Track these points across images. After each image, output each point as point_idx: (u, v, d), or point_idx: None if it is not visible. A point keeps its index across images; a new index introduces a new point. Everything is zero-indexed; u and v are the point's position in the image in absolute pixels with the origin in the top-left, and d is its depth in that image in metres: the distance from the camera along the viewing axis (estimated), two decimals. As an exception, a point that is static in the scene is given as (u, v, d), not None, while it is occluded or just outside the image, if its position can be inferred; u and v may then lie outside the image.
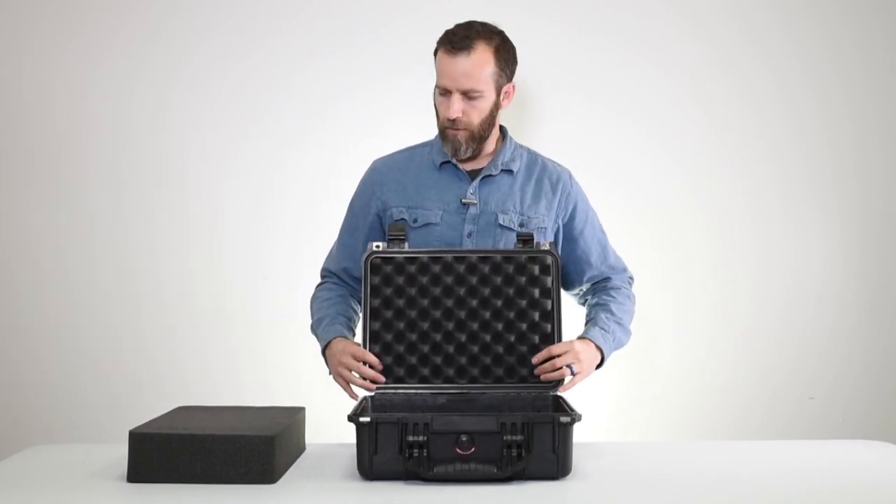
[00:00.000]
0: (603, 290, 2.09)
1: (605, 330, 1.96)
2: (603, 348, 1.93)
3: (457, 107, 1.91)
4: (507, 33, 1.99)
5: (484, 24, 1.96)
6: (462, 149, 1.96)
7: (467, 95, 1.91)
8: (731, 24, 2.98)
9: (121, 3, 2.91)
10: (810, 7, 3.00)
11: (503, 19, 2.87)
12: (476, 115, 1.93)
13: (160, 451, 1.56)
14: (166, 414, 1.80)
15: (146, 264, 2.91)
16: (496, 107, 1.97)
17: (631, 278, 2.15)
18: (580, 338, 1.93)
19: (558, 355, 1.83)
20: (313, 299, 2.08)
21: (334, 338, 1.92)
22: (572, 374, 1.86)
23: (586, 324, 2.02)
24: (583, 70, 2.95)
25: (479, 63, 1.91)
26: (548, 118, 2.94)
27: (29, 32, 2.90)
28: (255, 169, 2.92)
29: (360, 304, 2.06)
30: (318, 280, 2.14)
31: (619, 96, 2.95)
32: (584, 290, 2.12)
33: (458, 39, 1.91)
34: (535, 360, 1.83)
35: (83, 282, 2.90)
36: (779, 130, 2.99)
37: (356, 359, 1.85)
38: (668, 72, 2.97)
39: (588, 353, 1.89)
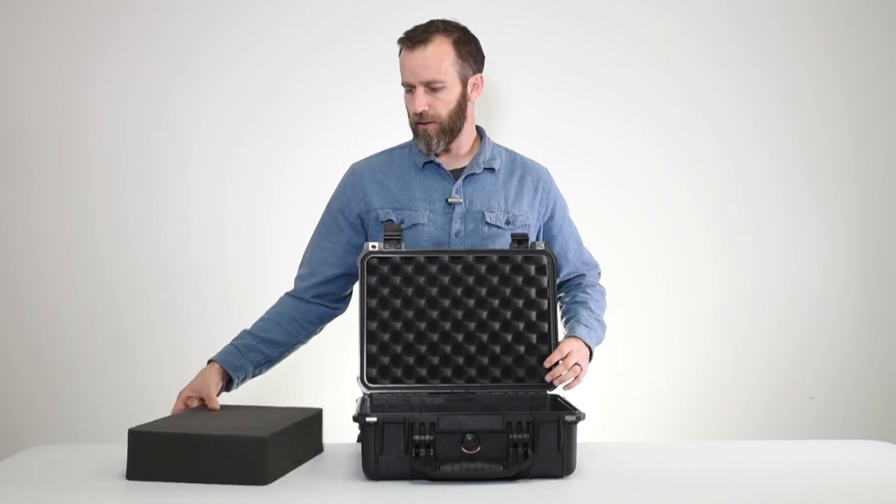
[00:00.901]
0: (578, 288, 2.10)
1: (588, 327, 1.97)
2: (590, 345, 1.95)
3: (422, 100, 1.92)
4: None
5: (443, 21, 1.97)
6: (434, 142, 1.95)
7: (430, 87, 1.92)
8: (731, 24, 2.99)
9: (121, 3, 2.91)
10: (810, 7, 3.00)
11: (503, 19, 2.90)
12: (443, 107, 1.93)
13: (157, 449, 1.57)
14: (183, 412, 1.84)
15: (147, 264, 2.91)
16: (464, 98, 1.97)
17: (599, 273, 2.17)
18: (568, 336, 1.94)
19: (565, 356, 1.84)
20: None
21: (212, 361, 1.95)
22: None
23: (567, 322, 2.03)
24: (583, 70, 2.95)
25: (438, 55, 1.91)
26: (548, 118, 2.94)
27: (29, 32, 2.90)
28: (255, 169, 2.92)
29: (317, 320, 2.05)
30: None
31: (619, 97, 2.96)
32: (557, 287, 2.11)
33: (416, 34, 1.93)
34: (546, 363, 1.83)
35: (84, 282, 2.90)
36: (779, 130, 3.00)
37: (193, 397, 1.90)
38: (668, 72, 2.97)
39: (583, 350, 1.91)
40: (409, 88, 1.94)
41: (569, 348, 1.85)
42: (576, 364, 1.85)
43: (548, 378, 1.83)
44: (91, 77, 2.91)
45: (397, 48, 1.99)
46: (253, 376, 2.01)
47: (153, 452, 1.57)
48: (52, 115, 2.91)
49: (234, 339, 2.00)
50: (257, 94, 2.92)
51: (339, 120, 2.91)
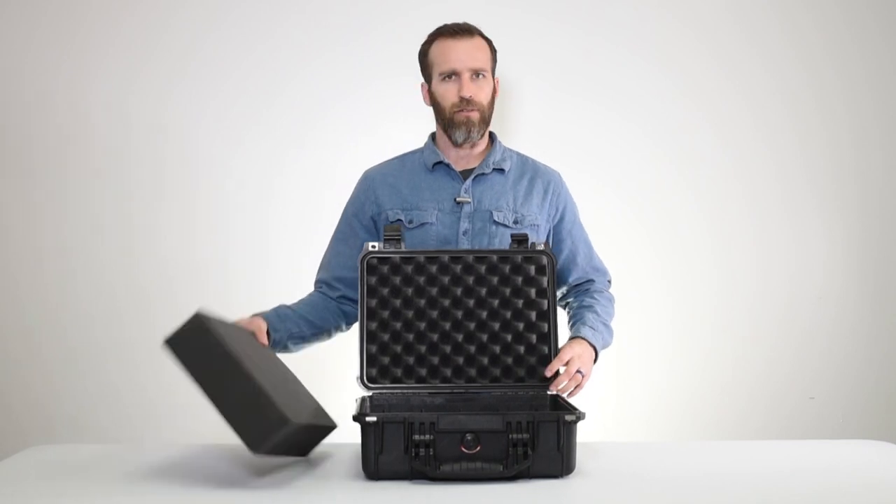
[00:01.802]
0: (586, 293, 2.09)
1: (594, 329, 1.97)
2: (595, 346, 1.94)
3: (470, 85, 1.96)
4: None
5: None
6: (475, 130, 1.99)
7: (476, 74, 1.97)
8: (731, 24, 2.99)
9: (121, 3, 2.91)
10: (810, 7, 3.00)
11: (503, 19, 2.90)
12: (484, 96, 1.99)
13: (202, 346, 1.53)
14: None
15: (147, 264, 2.91)
16: (494, 93, 2.03)
17: (609, 281, 2.17)
18: (572, 338, 1.94)
19: (566, 363, 1.83)
20: None
21: (254, 316, 1.92)
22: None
23: (573, 325, 2.02)
24: (583, 70, 2.95)
25: (481, 46, 2.00)
26: (548, 118, 2.94)
27: (29, 32, 2.90)
28: (255, 169, 2.92)
29: (344, 316, 2.06)
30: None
31: (619, 97, 2.96)
32: (566, 292, 2.12)
33: (458, 28, 2.00)
34: (548, 373, 1.82)
35: (84, 282, 2.90)
36: (779, 130, 3.00)
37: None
38: (668, 72, 2.97)
39: (587, 353, 1.90)
40: (451, 76, 1.97)
41: (569, 354, 1.84)
42: (577, 372, 1.84)
43: (551, 389, 1.82)
44: (91, 77, 2.91)
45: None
46: (285, 348, 1.97)
47: (199, 346, 1.53)
48: (52, 115, 2.91)
49: (272, 308, 1.98)
50: (257, 94, 2.92)
51: (339, 120, 2.91)
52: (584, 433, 1.69)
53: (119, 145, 2.92)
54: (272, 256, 2.92)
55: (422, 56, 2.04)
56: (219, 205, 2.92)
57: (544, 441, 1.59)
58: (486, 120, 2.00)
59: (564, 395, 1.84)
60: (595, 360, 1.94)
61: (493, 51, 2.03)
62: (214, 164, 2.92)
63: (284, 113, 2.92)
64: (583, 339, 1.92)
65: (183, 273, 2.91)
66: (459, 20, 2.02)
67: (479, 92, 1.97)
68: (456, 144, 2.02)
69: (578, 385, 1.85)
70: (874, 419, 2.97)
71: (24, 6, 2.90)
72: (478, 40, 1.99)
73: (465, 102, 1.96)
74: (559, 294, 2.12)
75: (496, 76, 2.05)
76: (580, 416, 1.60)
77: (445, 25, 2.01)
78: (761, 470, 1.72)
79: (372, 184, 2.07)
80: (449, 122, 2.00)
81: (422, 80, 2.06)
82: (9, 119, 2.91)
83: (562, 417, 1.59)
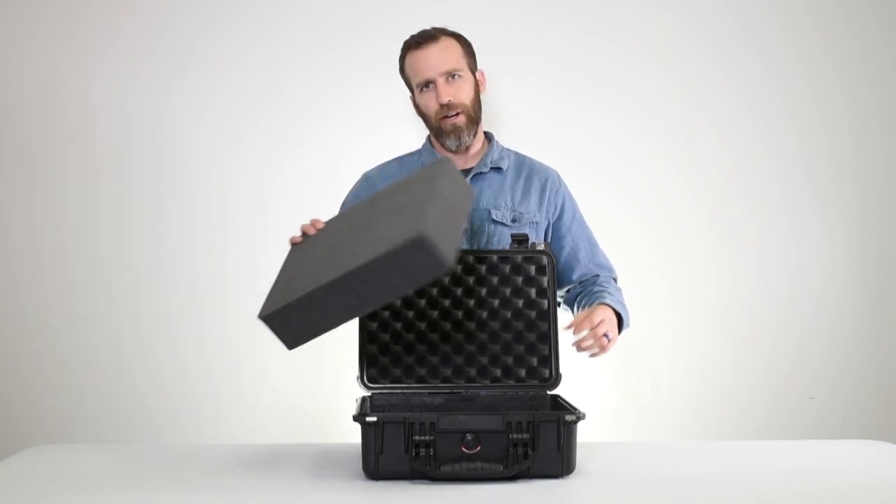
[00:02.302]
0: (594, 284, 2.08)
1: (613, 304, 1.95)
2: (620, 312, 1.92)
3: (446, 90, 1.96)
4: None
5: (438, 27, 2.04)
6: (465, 133, 1.99)
7: (451, 76, 1.97)
8: (731, 24, 2.99)
9: (121, 3, 2.91)
10: (810, 7, 3.00)
11: (503, 19, 2.90)
12: (465, 95, 1.98)
13: (456, 183, 1.69)
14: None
15: (147, 264, 2.91)
16: (478, 88, 2.03)
17: (615, 278, 2.15)
18: (598, 304, 1.90)
19: (596, 325, 1.81)
20: None
21: None
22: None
23: (591, 303, 1.97)
24: (583, 70, 2.95)
25: (449, 47, 1.98)
26: (548, 118, 2.94)
27: (29, 32, 2.90)
28: (255, 169, 2.92)
29: None
30: None
31: (619, 97, 2.96)
32: (572, 288, 2.11)
33: (423, 35, 1.99)
34: (575, 330, 1.80)
35: (84, 282, 2.90)
36: (779, 130, 3.00)
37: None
38: (668, 72, 2.97)
39: (614, 318, 1.88)
40: (427, 85, 1.98)
41: (600, 317, 1.82)
42: (603, 335, 1.81)
43: (572, 344, 1.81)
44: (91, 77, 2.91)
45: (396, 48, 2.01)
46: None
47: (453, 179, 1.68)
48: (51, 115, 2.90)
49: None
50: (257, 94, 2.92)
51: (339, 120, 2.91)
52: (584, 433, 1.69)
53: (119, 145, 2.92)
54: (272, 256, 2.90)
55: (401, 73, 2.06)
56: (219, 205, 2.92)
57: (544, 441, 1.59)
58: (473, 119, 2.00)
59: (586, 353, 1.81)
60: (619, 332, 1.92)
61: (466, 45, 2.02)
62: (214, 164, 2.92)
63: (284, 113, 2.92)
64: (607, 305, 1.89)
65: (182, 273, 2.91)
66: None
67: (457, 93, 1.97)
68: (451, 151, 2.03)
69: (603, 348, 1.82)
70: (874, 419, 2.97)
71: (24, 6, 2.90)
72: (444, 41, 1.98)
73: (447, 108, 1.97)
74: (563, 292, 2.12)
75: (479, 69, 2.04)
76: (580, 416, 1.61)
77: (411, 37, 2.01)
78: (761, 470, 1.72)
79: (373, 183, 2.09)
80: (438, 131, 2.01)
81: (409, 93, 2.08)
82: (9, 119, 2.91)
83: (562, 417, 1.60)
